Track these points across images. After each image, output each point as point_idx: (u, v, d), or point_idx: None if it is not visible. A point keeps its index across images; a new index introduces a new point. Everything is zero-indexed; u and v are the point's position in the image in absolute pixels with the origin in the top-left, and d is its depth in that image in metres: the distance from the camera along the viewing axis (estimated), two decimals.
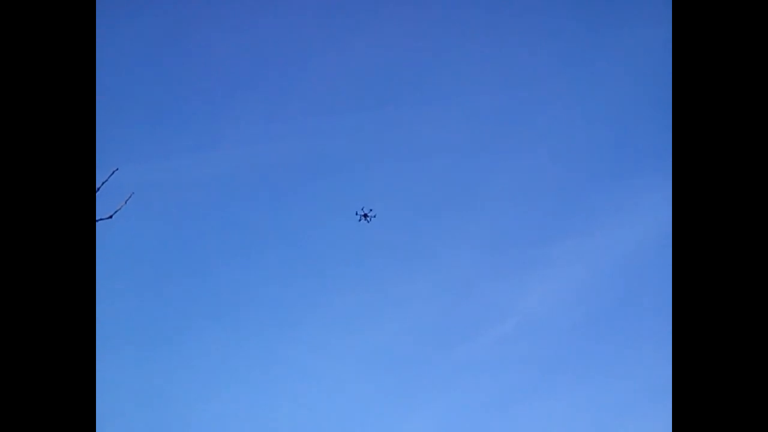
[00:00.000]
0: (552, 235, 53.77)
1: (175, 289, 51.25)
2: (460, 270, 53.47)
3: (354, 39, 56.48)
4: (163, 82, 55.09)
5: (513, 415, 46.35)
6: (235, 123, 54.99)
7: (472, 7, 54.92)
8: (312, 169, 55.16)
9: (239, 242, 54.56)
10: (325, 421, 45.96)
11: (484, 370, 49.26)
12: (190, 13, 54.44)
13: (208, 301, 51.83)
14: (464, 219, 53.60)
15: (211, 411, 45.82)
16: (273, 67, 56.09)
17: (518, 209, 54.99)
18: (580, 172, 55.36)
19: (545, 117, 55.25)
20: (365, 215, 51.38)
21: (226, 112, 55.54)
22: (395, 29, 56.41)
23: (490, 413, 47.02)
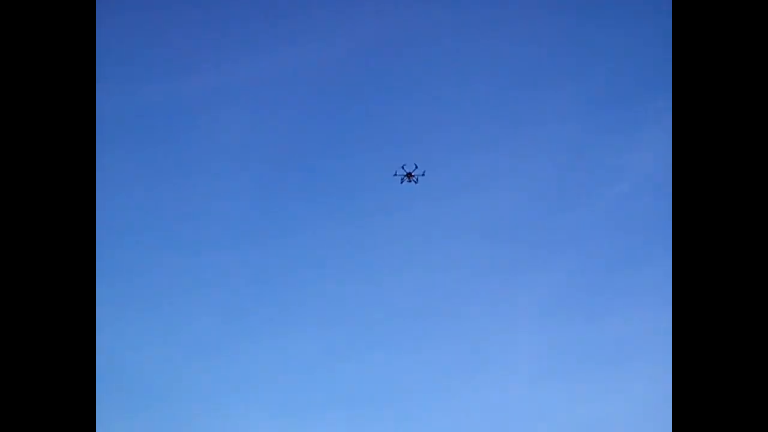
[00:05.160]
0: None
1: None
2: (567, 133, 53.19)
3: None
4: None
5: (635, 278, 45.99)
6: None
7: None
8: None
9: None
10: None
11: (601, 233, 49.32)
12: None
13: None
14: (566, 84, 52.99)
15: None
16: None
17: (625, 65, 53.58)
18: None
19: None
20: (409, 174, 43.16)
21: None
22: None
23: (613, 273, 47.07)
